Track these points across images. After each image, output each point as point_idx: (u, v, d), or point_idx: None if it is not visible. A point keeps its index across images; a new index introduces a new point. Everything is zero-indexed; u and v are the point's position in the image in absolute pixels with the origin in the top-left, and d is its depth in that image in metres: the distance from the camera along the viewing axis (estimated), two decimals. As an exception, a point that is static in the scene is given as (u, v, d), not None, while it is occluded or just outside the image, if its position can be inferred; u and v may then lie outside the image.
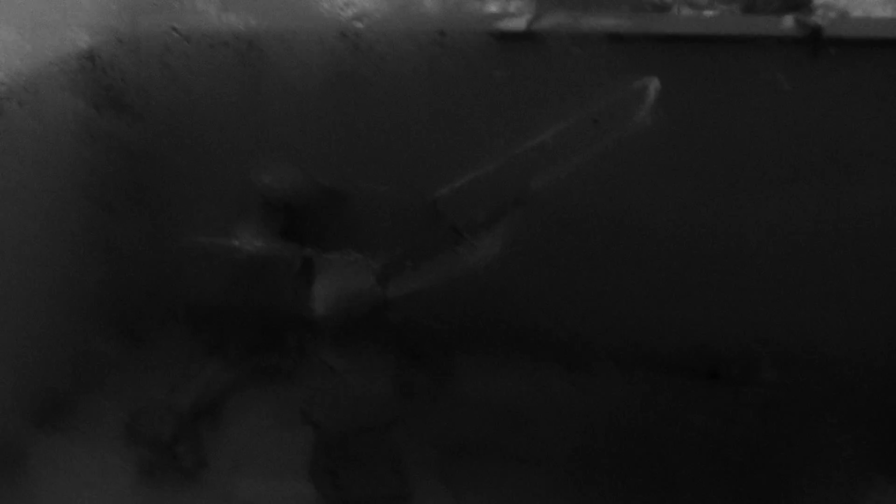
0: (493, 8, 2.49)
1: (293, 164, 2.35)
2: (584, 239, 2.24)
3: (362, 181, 2.29)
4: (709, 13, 2.31)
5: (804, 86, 2.02)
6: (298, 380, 2.40)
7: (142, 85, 2.35)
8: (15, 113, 2.27)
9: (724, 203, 2.12)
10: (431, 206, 2.26)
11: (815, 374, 2.10)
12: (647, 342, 2.25)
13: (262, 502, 2.24)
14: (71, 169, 2.40)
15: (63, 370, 2.47)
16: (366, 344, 2.36)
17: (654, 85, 2.07)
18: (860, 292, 2.09)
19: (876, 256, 2.06)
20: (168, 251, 2.41)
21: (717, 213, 2.12)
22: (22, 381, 2.35)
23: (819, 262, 2.10)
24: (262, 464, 2.27)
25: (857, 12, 2.22)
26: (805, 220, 2.07)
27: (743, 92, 2.07)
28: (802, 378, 2.11)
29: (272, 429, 2.32)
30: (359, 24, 2.26)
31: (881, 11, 2.21)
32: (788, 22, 2.03)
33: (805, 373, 2.11)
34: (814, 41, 2.00)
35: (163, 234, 2.43)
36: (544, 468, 2.22)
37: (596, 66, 2.13)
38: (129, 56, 2.34)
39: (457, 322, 2.33)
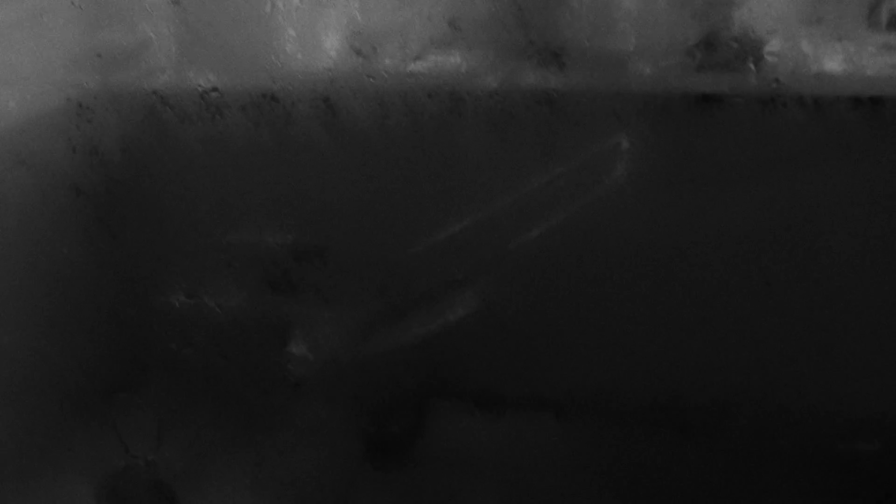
0: (456, 62, 2.48)
1: (271, 221, 2.36)
2: (555, 293, 2.27)
3: (338, 238, 2.31)
4: (665, 63, 2.34)
5: (769, 142, 2.08)
6: (278, 440, 2.40)
7: (115, 143, 2.35)
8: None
9: (696, 257, 2.17)
10: (406, 263, 2.29)
11: (790, 428, 2.15)
12: (618, 395, 2.29)
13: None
14: (40, 226, 2.39)
15: (32, 437, 2.44)
16: (341, 401, 2.37)
17: (624, 142, 2.12)
18: (838, 344, 2.14)
19: (852, 309, 2.11)
20: (143, 310, 2.41)
21: (690, 268, 2.17)
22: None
23: (794, 314, 2.15)
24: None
25: (807, 62, 2.26)
26: (778, 270, 2.13)
27: (712, 149, 2.13)
28: (776, 432, 2.16)
29: (253, 487, 2.33)
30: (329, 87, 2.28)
31: (830, 62, 2.25)
32: (752, 79, 2.09)
33: (779, 427, 2.16)
34: (775, 98, 2.06)
35: (138, 293, 2.42)
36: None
37: (565, 124, 2.18)
38: (106, 113, 2.34)
39: (431, 376, 2.36)
